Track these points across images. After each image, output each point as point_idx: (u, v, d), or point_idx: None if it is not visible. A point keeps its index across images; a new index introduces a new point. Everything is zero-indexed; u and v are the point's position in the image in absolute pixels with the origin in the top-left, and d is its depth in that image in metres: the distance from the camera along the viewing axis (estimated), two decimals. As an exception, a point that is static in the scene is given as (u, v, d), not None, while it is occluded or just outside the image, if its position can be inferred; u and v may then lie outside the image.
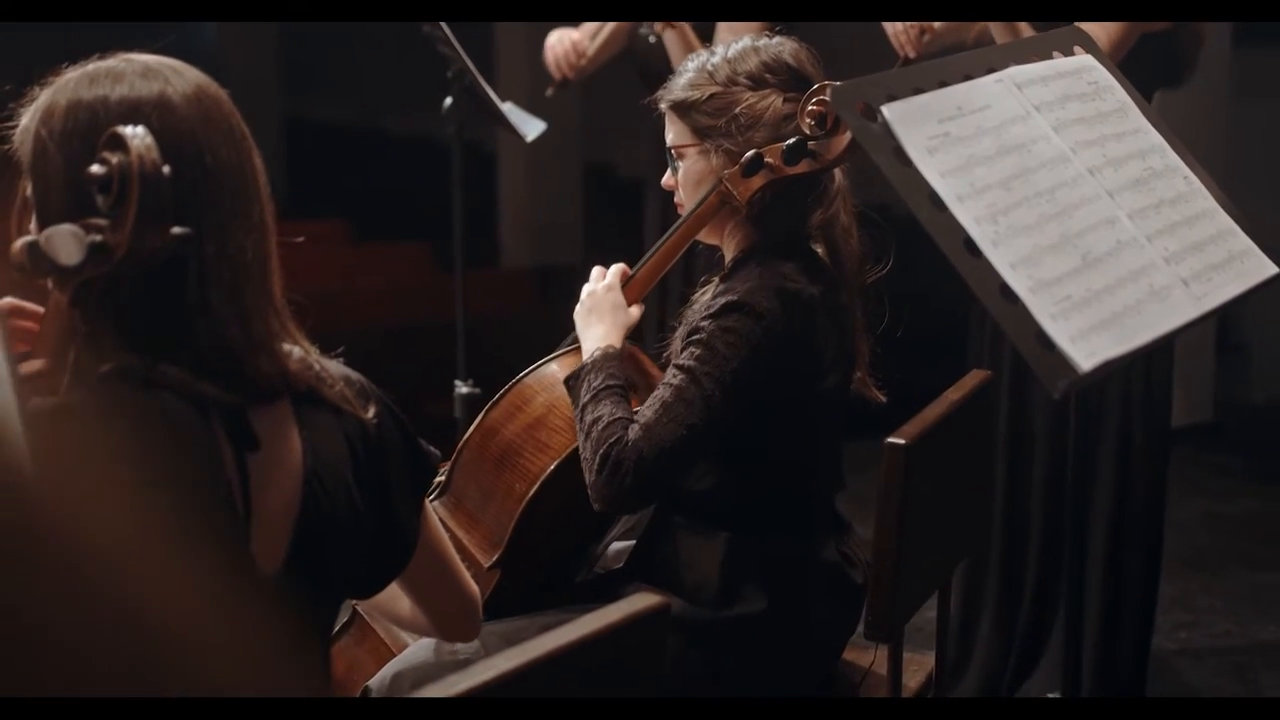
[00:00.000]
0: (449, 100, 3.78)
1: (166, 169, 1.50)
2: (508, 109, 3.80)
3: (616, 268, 2.49)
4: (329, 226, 7.77)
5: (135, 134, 1.50)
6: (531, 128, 3.80)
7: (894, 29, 3.35)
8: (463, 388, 3.87)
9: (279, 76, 10.21)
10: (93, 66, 1.62)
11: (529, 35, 7.04)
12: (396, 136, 9.58)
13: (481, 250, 7.68)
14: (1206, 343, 6.10)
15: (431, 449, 1.80)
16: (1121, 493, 3.37)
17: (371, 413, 1.70)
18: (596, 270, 2.50)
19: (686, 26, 3.76)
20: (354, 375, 1.74)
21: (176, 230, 1.51)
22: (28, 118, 1.61)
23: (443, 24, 3.61)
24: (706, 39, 3.78)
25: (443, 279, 6.70)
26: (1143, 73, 2.25)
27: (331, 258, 7.00)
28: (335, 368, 1.71)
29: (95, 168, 1.49)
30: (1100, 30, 2.92)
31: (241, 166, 1.61)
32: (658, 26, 3.80)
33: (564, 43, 4.09)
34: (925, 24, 3.31)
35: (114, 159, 1.49)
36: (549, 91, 4.14)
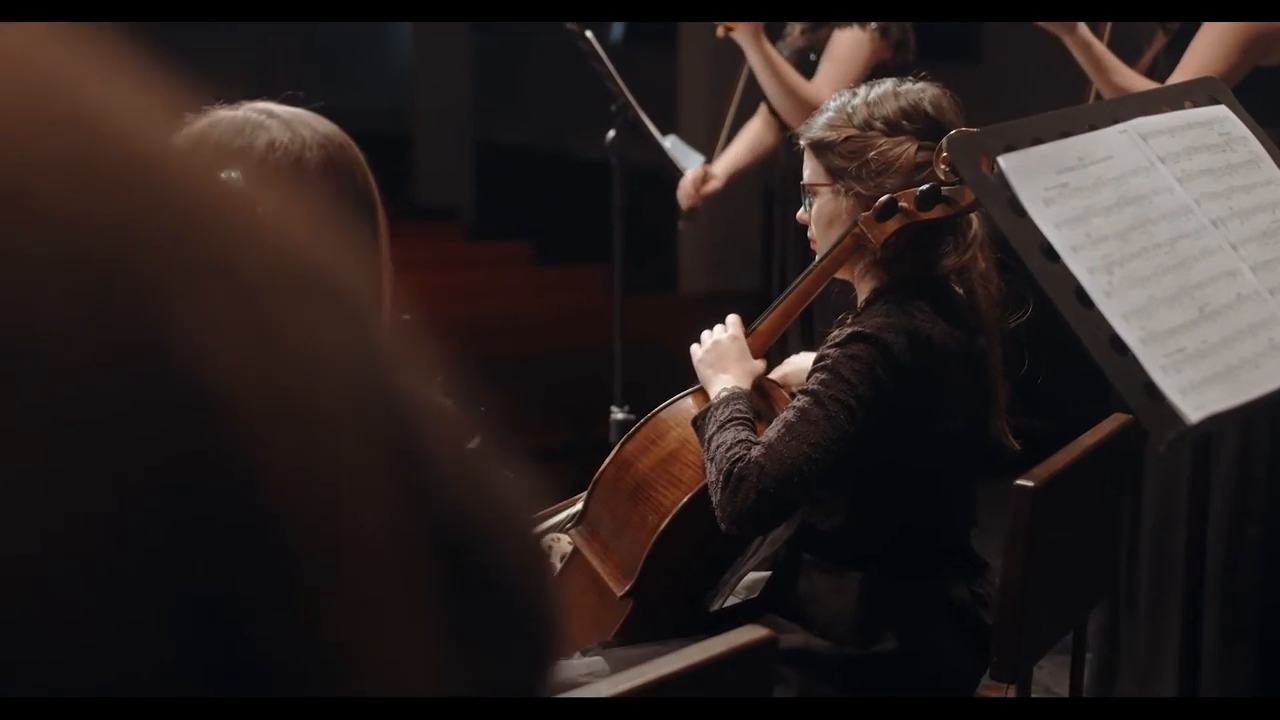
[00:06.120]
0: (612, 133, 3.87)
1: None
2: (669, 144, 3.87)
3: (734, 318, 2.53)
4: (514, 249, 7.94)
5: None
6: (691, 161, 3.87)
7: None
8: (619, 413, 3.95)
9: (471, 99, 10.43)
10: (241, 115, 1.72)
11: (711, 62, 7.13)
12: (581, 159, 9.74)
13: (660, 275, 7.76)
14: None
15: None
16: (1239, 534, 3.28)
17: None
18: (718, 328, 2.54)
19: (755, 28, 3.65)
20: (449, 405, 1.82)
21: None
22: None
23: (605, 59, 3.69)
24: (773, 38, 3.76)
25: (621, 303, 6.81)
26: (1256, 109, 2.22)
27: (515, 280, 7.16)
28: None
29: None
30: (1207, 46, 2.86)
31: (360, 225, 1.70)
32: (720, 30, 3.70)
33: (687, 176, 4.12)
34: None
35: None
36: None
